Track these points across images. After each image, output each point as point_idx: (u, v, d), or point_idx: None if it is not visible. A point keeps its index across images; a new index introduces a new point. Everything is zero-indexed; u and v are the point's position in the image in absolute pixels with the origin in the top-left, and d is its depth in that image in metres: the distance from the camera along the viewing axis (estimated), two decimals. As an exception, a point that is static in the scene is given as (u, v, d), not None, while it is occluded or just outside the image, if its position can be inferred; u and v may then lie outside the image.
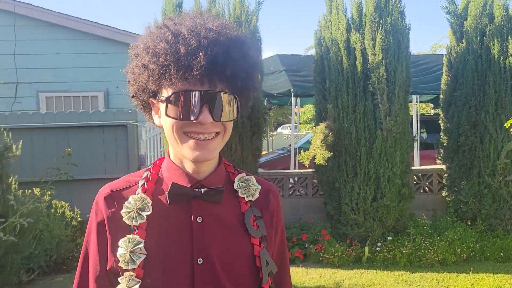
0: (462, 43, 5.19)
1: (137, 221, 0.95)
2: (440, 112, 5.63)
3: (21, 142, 4.54)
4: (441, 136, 5.52)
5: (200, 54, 0.87)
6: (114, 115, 5.90)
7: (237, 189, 1.05)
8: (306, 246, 5.03)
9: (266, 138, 10.55)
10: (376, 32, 4.69)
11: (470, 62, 5.09)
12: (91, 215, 1.04)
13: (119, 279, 0.94)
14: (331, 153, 4.70)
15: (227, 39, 0.92)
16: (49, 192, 4.39)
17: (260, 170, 5.47)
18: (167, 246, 0.96)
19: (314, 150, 4.62)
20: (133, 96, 1.03)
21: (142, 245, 0.94)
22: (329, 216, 5.30)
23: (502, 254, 4.73)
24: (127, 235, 0.95)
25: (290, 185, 5.82)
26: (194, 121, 0.91)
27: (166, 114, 0.92)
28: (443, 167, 5.59)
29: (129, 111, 5.83)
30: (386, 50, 4.70)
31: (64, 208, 5.21)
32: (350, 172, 4.87)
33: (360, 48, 4.76)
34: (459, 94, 5.20)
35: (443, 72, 5.58)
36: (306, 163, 4.96)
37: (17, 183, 4.59)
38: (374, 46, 4.70)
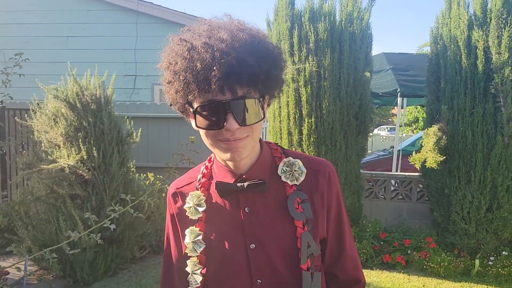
0: None
1: (195, 216, 1.09)
2: None
3: (140, 130, 4.95)
4: None
5: (214, 68, 0.91)
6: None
7: (281, 174, 1.10)
8: (409, 252, 4.82)
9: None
10: (503, 30, 4.32)
11: None
12: (167, 211, 1.21)
13: (187, 262, 1.10)
14: (444, 157, 4.44)
15: (241, 45, 0.94)
16: (160, 176, 4.73)
17: (361, 171, 5.35)
18: (223, 236, 1.09)
19: (426, 153, 4.39)
20: (170, 105, 1.09)
21: (201, 236, 1.08)
22: (435, 224, 5.02)
23: None
24: (190, 227, 1.09)
25: (393, 188, 5.62)
26: (222, 129, 0.97)
27: (196, 125, 1.00)
28: None
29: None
30: (513, 49, 4.31)
31: (173, 193, 5.57)
32: (462, 178, 4.56)
33: (483, 46, 4.42)
34: None
35: None
36: (418, 166, 4.74)
37: (134, 167, 5.01)
38: (499, 44, 4.34)
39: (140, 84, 7.94)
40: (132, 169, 4.88)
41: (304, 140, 4.84)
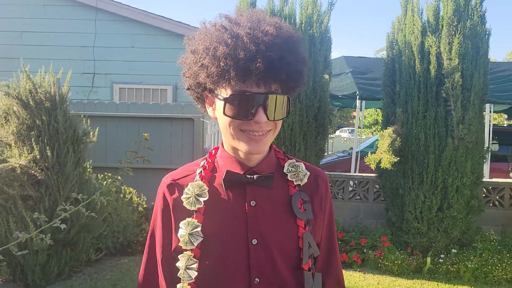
0: (548, 51, 4.87)
1: (195, 206, 1.04)
2: (518, 123, 5.31)
3: (97, 129, 4.84)
4: (517, 149, 5.23)
5: (259, 60, 0.92)
6: (182, 108, 6.11)
7: (287, 173, 1.12)
8: (365, 251, 4.95)
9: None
10: (454, 36, 4.51)
11: (555, 71, 4.77)
12: (157, 201, 1.15)
13: (179, 256, 1.04)
14: (398, 158, 4.59)
15: (282, 42, 0.97)
16: (118, 177, 4.65)
17: (321, 171, 5.45)
18: (223, 229, 1.05)
19: (381, 154, 4.53)
20: (188, 89, 1.09)
21: (199, 228, 1.03)
22: (390, 223, 5.18)
23: None
24: (186, 218, 1.04)
25: (351, 189, 5.75)
26: (251, 121, 0.98)
27: (224, 113, 0.99)
28: (517, 181, 5.28)
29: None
30: (463, 55, 4.51)
31: (132, 194, 5.49)
32: (416, 179, 4.73)
33: (435, 52, 4.61)
34: (541, 105, 4.89)
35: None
36: (373, 166, 4.88)
37: (91, 168, 4.89)
38: (450, 50, 4.53)
39: (99, 83, 7.76)
40: (88, 169, 4.76)
41: (264, 141, 4.88)
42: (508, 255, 4.62)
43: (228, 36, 0.96)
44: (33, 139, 4.03)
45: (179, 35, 7.64)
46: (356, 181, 5.74)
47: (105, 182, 5.11)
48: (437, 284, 4.41)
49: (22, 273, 3.99)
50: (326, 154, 8.29)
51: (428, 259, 4.66)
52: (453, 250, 4.73)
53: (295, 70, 0.99)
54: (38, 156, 4.02)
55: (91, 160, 4.95)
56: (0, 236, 3.87)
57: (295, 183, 1.10)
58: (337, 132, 24.18)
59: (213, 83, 0.99)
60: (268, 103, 0.97)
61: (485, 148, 5.02)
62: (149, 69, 7.69)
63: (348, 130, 27.14)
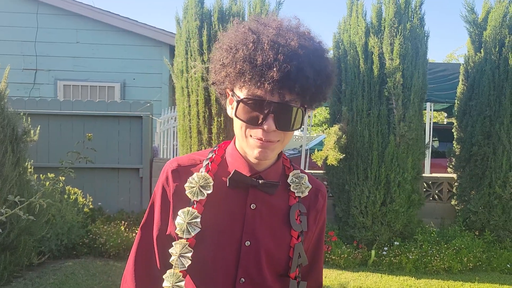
0: (480, 53, 5.18)
1: (197, 197, 1.05)
2: (454, 121, 5.63)
3: (39, 128, 4.64)
4: (454, 145, 5.53)
5: (274, 69, 0.92)
6: (130, 106, 5.99)
7: (290, 183, 1.13)
8: (313, 246, 5.06)
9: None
10: (395, 38, 4.71)
11: (487, 72, 5.09)
12: (159, 184, 1.14)
13: (173, 243, 1.04)
14: (343, 155, 4.73)
15: (304, 54, 0.95)
16: (62, 178, 4.49)
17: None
18: (221, 225, 1.07)
19: (327, 151, 4.65)
20: (213, 83, 1.10)
21: (198, 219, 1.03)
22: (337, 218, 5.33)
23: (509, 265, 4.73)
24: (187, 207, 1.05)
25: (300, 185, 5.85)
26: (259, 128, 0.98)
27: (235, 115, 1.01)
28: (454, 176, 5.59)
29: (147, 104, 5.91)
30: (403, 56, 4.71)
31: (77, 195, 5.31)
32: (361, 175, 4.90)
33: (378, 52, 4.78)
34: (475, 103, 5.20)
35: (459, 81, 5.58)
36: (319, 163, 5.00)
37: (32, 168, 4.69)
38: (392, 51, 4.72)
39: (41, 79, 7.43)
40: (29, 170, 4.56)
41: (213, 139, 4.88)
42: (445, 246, 4.89)
43: (251, 39, 0.96)
44: (-33, 138, 3.81)
45: (127, 31, 7.48)
46: (305, 178, 5.85)
47: (48, 183, 4.91)
48: (381, 276, 4.59)
49: (-45, 280, 3.76)
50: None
51: (373, 252, 4.84)
52: (395, 243, 4.94)
53: (314, 85, 0.96)
54: (-28, 156, 3.80)
55: (32, 160, 4.74)
56: None
57: (296, 195, 1.12)
58: (289, 130, 24.45)
59: (231, 83, 1.01)
60: (279, 112, 0.97)
61: (425, 145, 5.27)
62: (96, 66, 7.46)
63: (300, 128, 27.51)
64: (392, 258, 4.77)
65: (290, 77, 0.93)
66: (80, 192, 5.36)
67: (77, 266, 4.61)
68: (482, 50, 5.18)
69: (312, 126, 17.73)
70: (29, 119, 4.54)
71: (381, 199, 4.86)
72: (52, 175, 5.05)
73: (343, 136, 4.74)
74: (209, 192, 1.05)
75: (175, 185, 1.10)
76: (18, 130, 4.31)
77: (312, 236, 1.18)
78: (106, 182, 5.98)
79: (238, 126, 1.03)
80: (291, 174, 1.14)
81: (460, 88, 5.48)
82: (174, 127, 6.74)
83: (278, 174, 1.13)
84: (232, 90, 1.04)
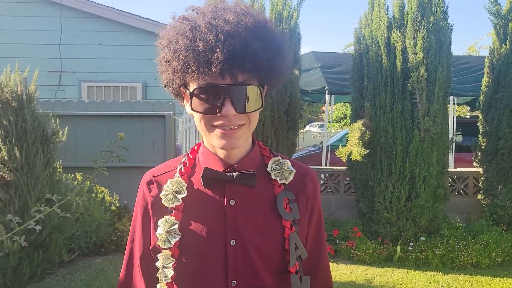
0: (506, 45, 5.10)
1: (173, 203, 1.00)
2: (479, 115, 5.55)
3: (66, 128, 4.75)
4: (479, 139, 5.45)
5: (217, 50, 0.87)
6: (153, 106, 6.07)
7: (270, 172, 1.06)
8: (337, 242, 5.07)
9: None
10: (418, 31, 4.67)
11: (513, 64, 5.00)
12: (137, 199, 1.11)
13: (158, 256, 1.00)
14: (367, 151, 4.72)
15: (246, 29, 0.90)
16: (91, 177, 4.59)
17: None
18: (202, 228, 1.00)
19: (351, 146, 4.65)
20: (165, 86, 1.04)
21: (176, 226, 0.98)
22: (361, 214, 5.32)
23: (538, 260, 4.66)
24: (164, 216, 1.00)
25: (322, 182, 5.86)
26: (218, 115, 0.93)
27: (192, 109, 0.95)
28: (480, 170, 5.51)
29: (169, 103, 5.99)
30: (427, 49, 4.67)
31: (104, 194, 5.42)
32: (384, 170, 4.88)
33: (401, 47, 4.75)
34: (501, 96, 5.12)
35: (482, 74, 5.50)
36: (344, 158, 5.00)
37: (61, 167, 4.80)
38: (415, 45, 4.68)
39: (66, 81, 7.59)
40: (58, 169, 4.67)
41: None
42: (472, 241, 4.83)
43: (188, 27, 0.91)
44: (0, 140, 3.93)
45: (147, 32, 7.57)
46: (327, 174, 5.86)
47: (76, 182, 5.03)
48: (407, 271, 4.57)
49: (-8, 277, 3.89)
50: (297, 148, 8.39)
51: (398, 248, 4.82)
52: (421, 238, 4.91)
53: (265, 59, 0.92)
54: (6, 157, 3.92)
55: (61, 160, 4.86)
56: (-32, 240, 3.76)
57: (279, 182, 1.05)
58: (307, 127, 24.44)
59: (179, 78, 0.94)
60: (235, 94, 0.91)
61: (449, 139, 5.21)
62: (118, 67, 7.59)
63: (318, 125, 27.47)
64: (418, 254, 4.74)
65: (237, 54, 0.88)
66: (107, 191, 5.47)
67: (106, 263, 4.72)
68: (507, 42, 5.09)
69: (331, 122, 17.69)
70: (57, 120, 4.66)
71: (405, 194, 4.83)
72: (80, 174, 5.18)
73: (367, 131, 4.73)
74: (184, 195, 1.01)
75: (151, 196, 1.06)
76: (47, 131, 4.42)
77: (305, 225, 1.08)
78: (131, 181, 6.06)
79: (197, 120, 0.98)
80: (270, 162, 1.07)
81: (485, 81, 5.39)
82: (195, 126, 6.81)
83: (255, 164, 1.06)
84: (185, 87, 0.99)
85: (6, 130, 4.02)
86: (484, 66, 5.46)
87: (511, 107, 5.03)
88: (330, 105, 9.14)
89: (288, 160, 1.08)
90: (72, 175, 5.15)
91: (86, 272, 4.45)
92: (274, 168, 1.06)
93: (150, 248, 1.05)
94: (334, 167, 6.02)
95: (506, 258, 4.70)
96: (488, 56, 5.39)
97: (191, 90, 0.94)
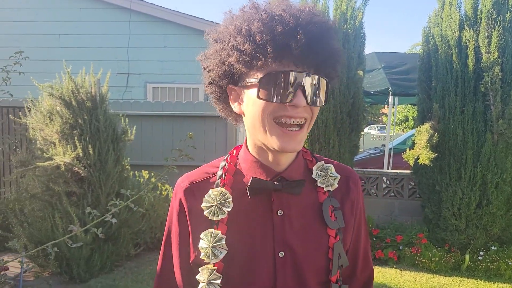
0: None
1: (218, 216, 0.95)
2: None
3: (134, 128, 4.97)
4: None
5: (300, 32, 0.83)
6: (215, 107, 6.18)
7: (316, 178, 1.02)
8: (400, 248, 4.91)
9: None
10: (493, 30, 4.42)
11: None
12: (172, 205, 1.04)
13: (200, 269, 0.95)
14: (436, 154, 4.53)
15: (320, 22, 0.88)
16: (158, 174, 4.76)
17: (353, 169, 5.43)
18: (248, 240, 0.96)
19: (419, 150, 4.48)
20: (210, 83, 0.99)
21: (224, 241, 0.93)
22: (426, 220, 5.12)
23: None
24: (209, 229, 0.95)
25: (385, 185, 5.70)
26: (288, 104, 0.88)
27: (258, 96, 0.88)
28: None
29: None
30: (502, 48, 4.41)
31: (168, 191, 5.60)
32: (453, 175, 4.66)
33: (473, 46, 4.52)
34: None
35: None
36: (411, 162, 4.83)
37: (129, 165, 5.03)
38: (489, 44, 4.44)
39: (133, 82, 7.93)
40: (127, 167, 4.89)
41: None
42: (551, 253, 4.50)
43: (263, 12, 0.86)
44: (75, 138, 4.18)
45: (210, 34, 7.75)
46: (390, 178, 5.69)
47: (141, 179, 5.24)
48: (477, 282, 4.34)
49: (67, 266, 4.14)
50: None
51: (467, 257, 4.59)
52: (492, 248, 4.64)
53: (332, 54, 0.90)
54: (81, 154, 4.16)
55: (128, 158, 5.08)
56: (47, 231, 4.03)
57: (325, 189, 1.01)
58: (366, 129, 23.90)
59: (246, 65, 0.87)
60: (308, 84, 0.87)
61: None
62: (181, 68, 7.82)
63: (377, 127, 26.77)
64: (489, 264, 4.49)
65: (317, 41, 0.85)
66: (171, 188, 5.65)
67: (169, 258, 4.87)
68: None
69: (394, 124, 17.20)
70: (126, 120, 4.88)
71: (476, 201, 4.58)
72: (146, 172, 5.39)
73: (435, 134, 4.54)
74: (230, 209, 0.95)
75: (190, 205, 1.00)
76: (117, 130, 4.65)
77: (351, 230, 1.04)
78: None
79: (259, 114, 0.90)
80: (314, 167, 1.03)
81: None
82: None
83: (300, 170, 1.01)
84: (238, 82, 0.94)
85: (81, 128, 4.26)
86: None
87: None
88: (393, 107, 8.87)
89: (332, 165, 1.05)
90: (139, 172, 5.38)
91: (152, 266, 4.62)
92: (319, 175, 1.02)
93: (191, 260, 0.99)
94: (398, 171, 5.83)
95: None
96: None
97: (257, 78, 0.88)
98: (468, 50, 4.56)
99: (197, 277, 0.94)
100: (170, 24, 7.78)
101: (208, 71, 0.99)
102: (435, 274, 4.55)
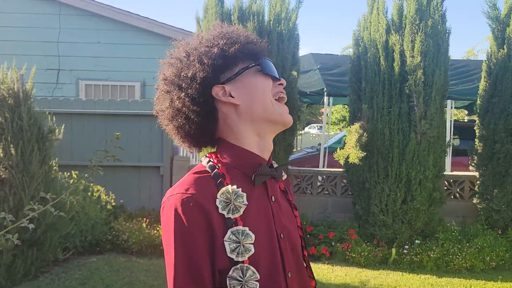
0: (503, 49, 5.11)
1: (238, 213, 0.95)
2: (476, 119, 5.56)
3: (63, 127, 4.75)
4: (476, 143, 5.46)
5: (255, 38, 1.08)
6: (151, 105, 6.02)
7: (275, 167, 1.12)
8: (333, 244, 5.07)
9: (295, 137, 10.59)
10: (416, 35, 4.67)
11: (510, 69, 5.01)
12: (188, 223, 0.93)
13: (232, 269, 0.93)
14: (365, 153, 4.72)
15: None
16: (85, 175, 4.59)
17: (289, 167, 5.53)
18: (261, 229, 0.98)
19: (349, 149, 4.65)
20: (188, 101, 1.01)
21: (252, 237, 0.94)
22: (357, 216, 5.32)
23: (533, 265, 4.66)
24: (233, 227, 0.94)
25: (319, 183, 5.86)
26: (278, 83, 1.06)
27: (266, 73, 1.03)
28: (476, 174, 5.52)
29: (166, 102, 5.96)
30: (425, 53, 4.68)
31: (100, 192, 5.41)
32: (381, 173, 4.88)
33: (399, 50, 4.75)
34: (497, 101, 5.13)
35: (480, 78, 5.51)
36: (342, 161, 4.99)
37: (57, 166, 4.80)
38: (413, 48, 4.69)
39: (64, 79, 7.57)
40: (54, 168, 4.66)
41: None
42: (467, 244, 4.84)
43: (234, 27, 1.08)
44: (-5, 137, 3.92)
45: (146, 30, 7.57)
46: (324, 176, 5.86)
47: (72, 181, 5.02)
48: (402, 274, 4.58)
49: (-14, 275, 3.88)
50: (295, 150, 8.38)
51: (393, 250, 4.82)
52: (416, 241, 4.91)
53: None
54: (1, 155, 3.92)
55: (57, 158, 4.85)
56: (-38, 237, 3.74)
57: (283, 178, 1.10)
58: (306, 129, 24.41)
59: (242, 60, 1.03)
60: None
61: (446, 143, 5.22)
62: (116, 65, 7.57)
63: (317, 126, 27.42)
64: (413, 257, 4.75)
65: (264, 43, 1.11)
66: (103, 190, 5.46)
67: (101, 262, 4.71)
68: (505, 47, 5.10)
69: (329, 124, 17.70)
70: (53, 118, 4.65)
71: (401, 197, 4.83)
72: (76, 173, 5.17)
73: (364, 134, 4.73)
74: (246, 202, 0.96)
75: (210, 214, 0.94)
76: (43, 129, 4.41)
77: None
78: (128, 180, 6.07)
79: (261, 94, 1.02)
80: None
81: (482, 85, 5.41)
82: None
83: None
84: (226, 76, 1.03)
85: (2, 127, 4.01)
86: (481, 70, 5.48)
87: (507, 112, 5.04)
88: (329, 106, 9.14)
89: None
90: (68, 173, 5.15)
91: (81, 271, 4.44)
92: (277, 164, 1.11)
93: (219, 268, 0.94)
94: (331, 169, 6.02)
95: (501, 262, 4.71)
96: (485, 60, 5.41)
97: (256, 62, 1.04)
98: (394, 53, 4.79)
99: (233, 276, 0.93)
100: (104, 19, 7.51)
101: (182, 87, 1.02)
102: (364, 268, 4.74)
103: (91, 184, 5.29)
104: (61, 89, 7.52)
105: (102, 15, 7.45)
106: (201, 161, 1.07)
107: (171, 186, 5.17)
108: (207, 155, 1.07)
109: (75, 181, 4.93)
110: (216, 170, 1.00)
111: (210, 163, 1.03)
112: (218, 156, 1.05)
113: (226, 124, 1.04)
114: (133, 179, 6.09)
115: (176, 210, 0.94)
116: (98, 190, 5.36)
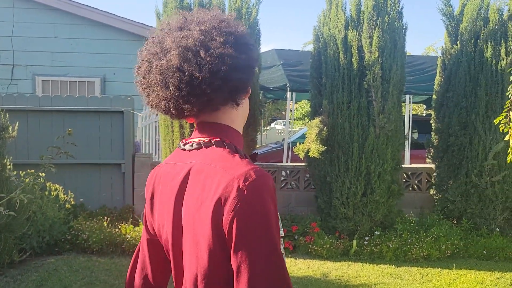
0: (457, 45, 5.29)
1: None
2: (432, 113, 5.74)
3: (17, 124, 4.58)
4: (432, 136, 5.64)
5: None
6: (111, 101, 5.93)
7: None
8: (296, 238, 5.13)
9: (260, 132, 10.64)
10: (374, 31, 4.77)
11: (463, 64, 5.20)
12: (272, 203, 0.94)
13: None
14: (325, 148, 4.79)
15: None
16: (43, 174, 4.45)
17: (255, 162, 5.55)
18: None
19: (309, 143, 4.70)
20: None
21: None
22: (319, 210, 5.40)
23: (485, 252, 4.87)
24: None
25: (283, 178, 5.91)
26: None
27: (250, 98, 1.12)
28: (433, 166, 5.71)
29: (128, 98, 5.86)
30: (382, 48, 4.79)
31: (58, 191, 5.26)
32: (342, 167, 4.97)
33: (357, 45, 4.84)
34: (451, 95, 5.31)
35: (436, 73, 5.70)
36: (301, 156, 5.05)
37: (11, 165, 4.63)
38: (371, 44, 4.79)
39: (19, 75, 7.31)
40: (8, 167, 4.49)
41: (195, 133, 4.88)
42: (424, 234, 5.01)
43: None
44: None
45: (106, 25, 7.39)
46: (288, 171, 5.91)
47: (27, 179, 4.85)
48: (362, 265, 4.68)
49: None
50: (259, 145, 8.40)
51: (354, 242, 4.93)
52: (376, 232, 5.04)
53: None
54: (-51, 154, 3.74)
55: (11, 157, 4.68)
56: None
57: None
58: (272, 125, 24.51)
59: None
60: None
61: (404, 136, 5.37)
62: (75, 61, 7.37)
63: (283, 122, 27.57)
64: (373, 248, 4.87)
65: None
66: (61, 189, 5.31)
67: (59, 262, 4.59)
68: (458, 43, 5.29)
69: (294, 119, 17.82)
70: (7, 115, 4.48)
71: (361, 190, 4.94)
72: (32, 171, 5.00)
73: (324, 128, 4.80)
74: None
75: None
76: (-4, 126, 4.25)
77: None
78: (88, 178, 5.93)
79: (247, 108, 1.21)
80: None
81: (437, 80, 5.59)
82: (156, 121, 6.72)
83: None
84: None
85: (-50, 125, 3.83)
86: (437, 65, 5.66)
87: (460, 106, 5.23)
88: (292, 101, 9.21)
89: None
90: (24, 172, 4.97)
91: (38, 272, 4.31)
92: None
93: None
94: (295, 164, 6.08)
95: (455, 251, 4.90)
96: (440, 56, 5.59)
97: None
98: (353, 49, 4.88)
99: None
100: (61, 12, 7.29)
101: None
102: (326, 260, 4.82)
103: (49, 183, 5.13)
104: (16, 85, 7.26)
105: (59, 8, 7.23)
106: (205, 146, 1.06)
107: (133, 184, 5.05)
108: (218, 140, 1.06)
109: (31, 180, 4.77)
110: (243, 153, 1.05)
111: (241, 152, 1.04)
112: (220, 137, 1.07)
113: (225, 112, 1.11)
114: (94, 177, 5.95)
115: (272, 190, 0.95)
116: (56, 189, 5.21)
